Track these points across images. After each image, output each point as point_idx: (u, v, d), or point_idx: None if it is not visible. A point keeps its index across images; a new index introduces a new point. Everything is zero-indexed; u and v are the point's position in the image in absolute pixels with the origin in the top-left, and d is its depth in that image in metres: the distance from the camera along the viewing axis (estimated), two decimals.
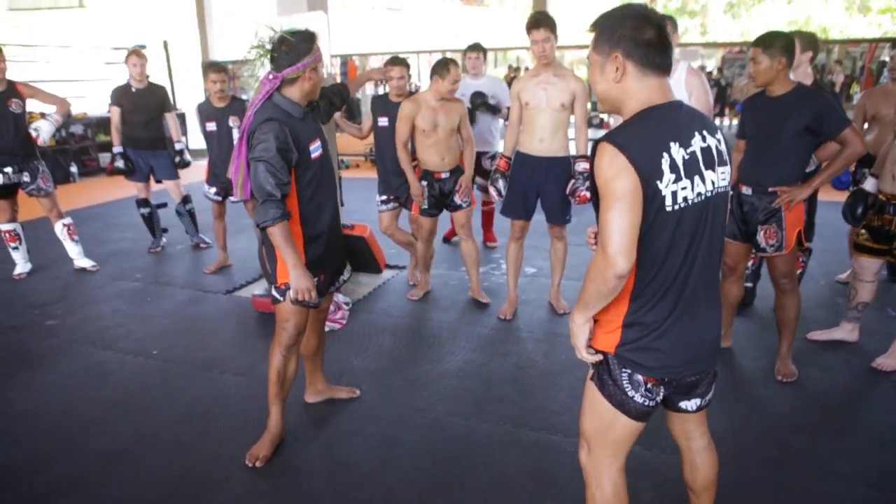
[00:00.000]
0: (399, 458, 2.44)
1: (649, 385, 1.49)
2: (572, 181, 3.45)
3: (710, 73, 12.84)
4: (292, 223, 2.21)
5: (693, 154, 1.38)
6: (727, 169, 1.46)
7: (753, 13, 20.17)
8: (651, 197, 1.33)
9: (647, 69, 1.38)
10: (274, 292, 2.32)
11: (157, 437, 2.62)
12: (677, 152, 1.35)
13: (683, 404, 1.63)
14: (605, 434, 1.57)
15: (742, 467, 2.34)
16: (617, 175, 1.31)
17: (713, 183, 1.42)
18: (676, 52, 3.32)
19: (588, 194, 3.43)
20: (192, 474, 2.38)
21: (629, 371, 1.49)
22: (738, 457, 2.39)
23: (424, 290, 4.14)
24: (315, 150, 2.22)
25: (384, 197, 4.10)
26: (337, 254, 2.47)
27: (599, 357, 1.52)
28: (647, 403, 1.51)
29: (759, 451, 2.44)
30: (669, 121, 1.39)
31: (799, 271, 3.09)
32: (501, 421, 2.67)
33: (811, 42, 3.37)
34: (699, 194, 1.39)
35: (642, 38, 1.36)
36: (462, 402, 2.83)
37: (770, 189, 2.78)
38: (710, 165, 1.41)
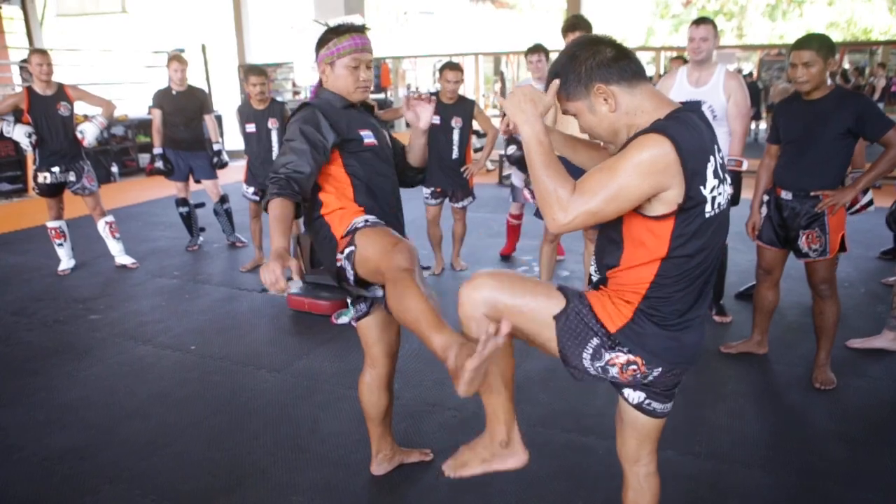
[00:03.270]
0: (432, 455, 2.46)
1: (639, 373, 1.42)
2: None
3: (749, 75, 12.62)
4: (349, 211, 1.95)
5: (721, 159, 1.36)
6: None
7: (792, 15, 19.74)
8: (691, 202, 1.28)
9: (632, 80, 1.34)
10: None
11: (195, 430, 2.69)
12: (717, 156, 1.33)
13: (660, 407, 1.55)
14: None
15: (779, 475, 2.30)
16: (659, 172, 1.24)
17: (729, 191, 1.40)
18: (714, 55, 3.30)
19: None
20: (230, 466, 2.43)
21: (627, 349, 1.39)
22: (774, 464, 2.36)
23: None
24: (367, 136, 2.01)
25: (431, 189, 4.40)
26: None
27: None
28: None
29: (797, 458, 2.40)
30: (703, 124, 1.34)
31: None
32: (532, 422, 2.67)
33: None
34: (726, 200, 1.37)
35: (606, 58, 1.33)
36: None
37: (812, 193, 2.74)
38: (725, 172, 1.39)
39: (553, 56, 1.79)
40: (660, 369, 1.42)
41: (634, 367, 1.40)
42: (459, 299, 1.45)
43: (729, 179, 1.39)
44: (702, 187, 1.29)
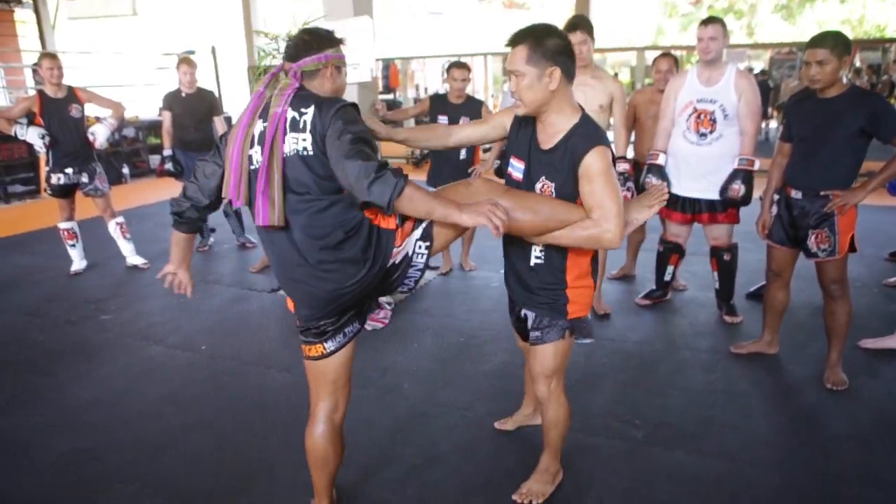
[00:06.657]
0: (442, 456, 2.46)
1: None
2: None
3: (762, 73, 12.52)
4: None
5: None
6: None
7: (804, 13, 19.57)
8: None
9: (570, 79, 1.74)
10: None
11: (205, 429, 2.71)
12: None
13: None
14: (566, 364, 2.06)
15: (790, 474, 2.29)
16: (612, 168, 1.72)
17: None
18: (724, 53, 3.28)
19: (629, 195, 3.41)
20: (238, 465, 2.45)
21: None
22: (784, 465, 2.35)
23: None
24: None
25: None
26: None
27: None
28: None
29: (807, 459, 2.39)
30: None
31: None
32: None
33: None
34: None
35: (569, 52, 1.70)
36: (502, 402, 2.84)
37: (822, 193, 2.72)
38: None
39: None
40: None
41: None
42: None
43: None
44: None
